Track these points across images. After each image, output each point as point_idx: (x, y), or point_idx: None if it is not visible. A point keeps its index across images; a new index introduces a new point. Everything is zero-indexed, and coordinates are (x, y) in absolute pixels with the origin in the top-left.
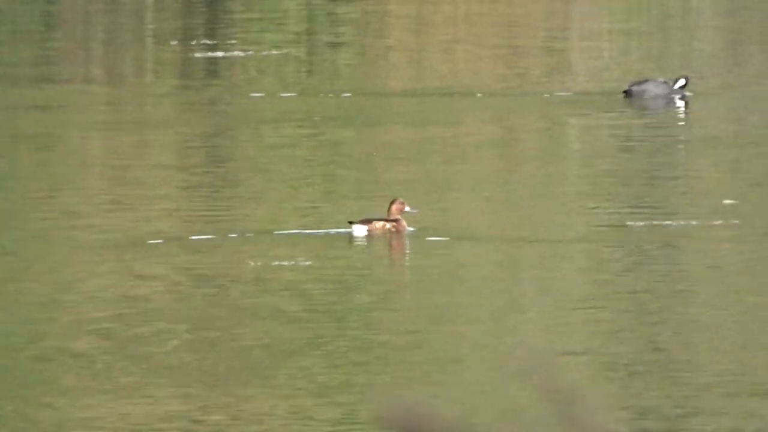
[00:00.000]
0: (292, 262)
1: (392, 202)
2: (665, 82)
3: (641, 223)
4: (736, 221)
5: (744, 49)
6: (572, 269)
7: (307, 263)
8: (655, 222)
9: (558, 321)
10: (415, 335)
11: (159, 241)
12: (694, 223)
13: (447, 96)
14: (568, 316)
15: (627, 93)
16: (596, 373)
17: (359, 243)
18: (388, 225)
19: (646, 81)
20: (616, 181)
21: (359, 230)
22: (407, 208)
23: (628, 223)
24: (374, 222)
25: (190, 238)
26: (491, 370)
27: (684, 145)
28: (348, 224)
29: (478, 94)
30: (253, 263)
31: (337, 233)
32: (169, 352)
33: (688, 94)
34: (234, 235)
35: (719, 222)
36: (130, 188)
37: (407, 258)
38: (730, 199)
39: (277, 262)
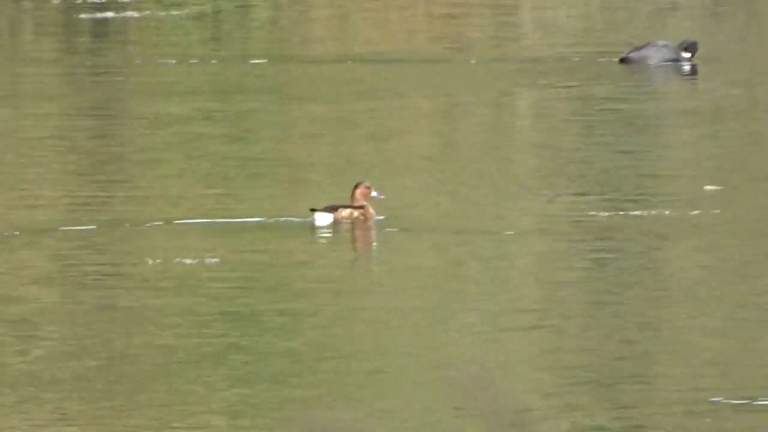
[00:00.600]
0: (197, 259)
1: (356, 186)
2: (666, 46)
3: (606, 213)
4: (716, 210)
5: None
6: (525, 266)
7: (214, 260)
8: (622, 212)
9: (504, 327)
10: (338, 343)
11: (17, 232)
12: (667, 212)
13: (378, 63)
14: (515, 322)
15: (624, 60)
16: (543, 387)
17: (322, 234)
18: (356, 213)
19: (646, 45)
20: (582, 165)
21: (323, 219)
22: (374, 193)
23: (591, 212)
24: (340, 209)
25: (62, 228)
26: (422, 386)
27: (675, 119)
28: (310, 212)
29: (418, 61)
30: (150, 260)
31: (279, 222)
32: (36, 362)
33: (693, 61)
34: (126, 226)
35: (696, 212)
36: None
37: (350, 252)
38: (712, 185)
39: (179, 259)
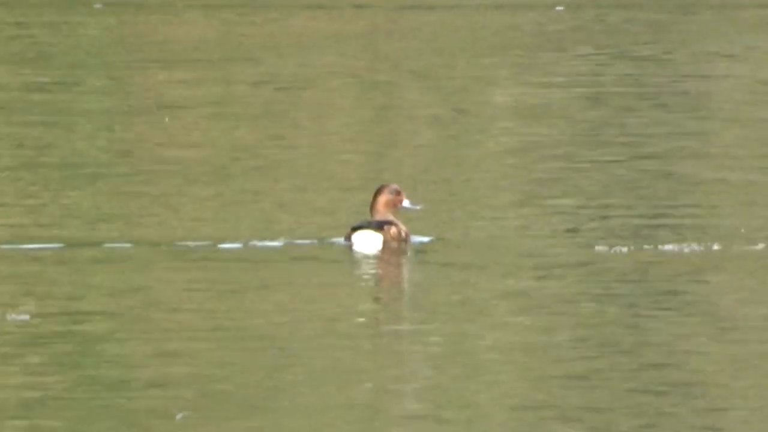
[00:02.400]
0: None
1: (379, 191)
2: None
3: (612, 249)
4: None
5: None
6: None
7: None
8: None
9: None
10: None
11: None
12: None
13: None
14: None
15: None
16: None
17: (363, 260)
18: (403, 231)
19: None
20: (570, 172)
21: (369, 241)
22: (406, 203)
23: (598, 248)
24: (388, 227)
25: None
26: None
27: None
28: (350, 232)
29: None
30: None
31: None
32: None
33: None
34: None
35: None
36: None
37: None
38: None
39: None
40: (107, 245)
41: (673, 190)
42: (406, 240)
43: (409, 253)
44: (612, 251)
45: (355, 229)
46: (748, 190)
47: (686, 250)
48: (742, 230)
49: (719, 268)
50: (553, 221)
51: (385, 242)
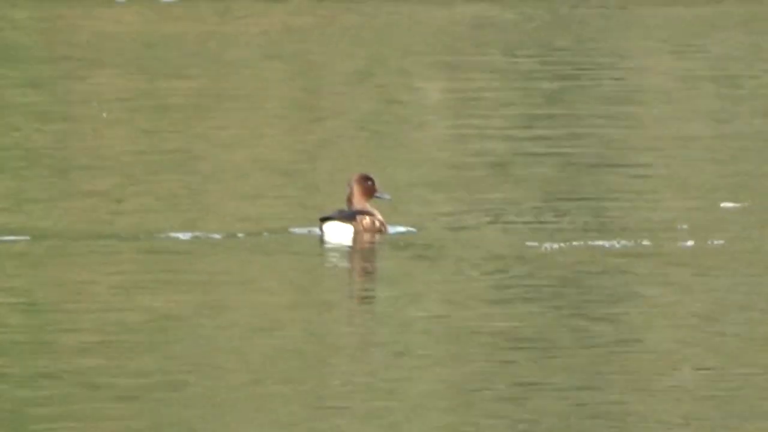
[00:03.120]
0: None
1: (359, 180)
2: None
3: (543, 245)
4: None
5: None
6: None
7: None
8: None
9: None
10: None
11: None
12: (638, 243)
13: None
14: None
15: None
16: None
17: (333, 250)
18: (377, 221)
19: None
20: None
21: (339, 231)
22: (379, 193)
23: (530, 243)
24: (360, 217)
25: None
26: None
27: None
28: (319, 222)
29: None
30: None
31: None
32: None
33: None
34: None
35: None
36: None
37: None
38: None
39: None
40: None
41: (605, 183)
42: (381, 231)
43: (380, 244)
44: (544, 247)
45: (324, 219)
46: (681, 183)
47: (617, 245)
48: (677, 226)
49: (649, 263)
50: (484, 216)
51: (356, 233)
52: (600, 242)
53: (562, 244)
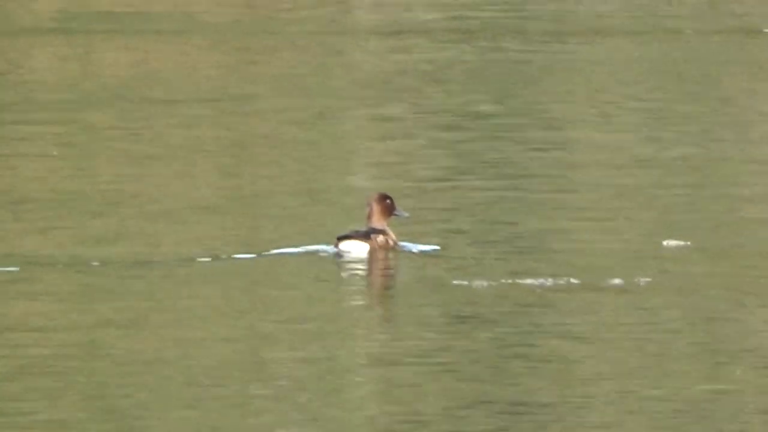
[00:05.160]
0: None
1: (379, 199)
2: None
3: (470, 282)
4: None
5: None
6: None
7: None
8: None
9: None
10: None
11: None
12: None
13: None
14: None
15: None
16: None
17: (348, 267)
18: (391, 240)
19: None
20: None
21: (355, 248)
22: (398, 211)
23: (455, 282)
24: (374, 235)
25: None
26: None
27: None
28: (336, 241)
29: None
30: None
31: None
32: None
33: None
34: None
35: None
36: None
37: None
38: (674, 238)
39: None
40: None
41: (532, 217)
42: (394, 249)
43: (394, 263)
44: (470, 284)
45: (341, 238)
46: (608, 219)
47: (545, 283)
48: (600, 263)
49: (570, 303)
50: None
51: (371, 251)
52: (531, 279)
53: (492, 282)
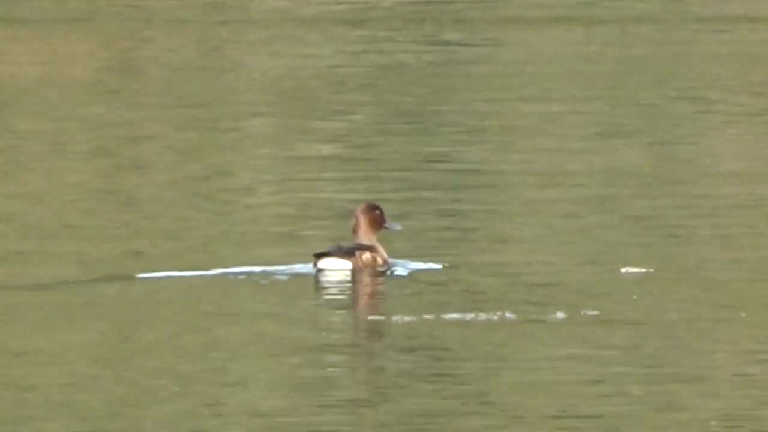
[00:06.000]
0: None
1: (366, 210)
2: None
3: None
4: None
5: None
6: None
7: None
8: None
9: None
10: None
11: None
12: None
13: None
14: None
15: None
16: None
17: (328, 286)
18: (379, 258)
19: None
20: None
21: (335, 265)
22: (388, 223)
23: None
24: (360, 252)
25: None
26: None
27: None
28: (313, 258)
29: None
30: None
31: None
32: None
33: None
34: None
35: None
36: None
37: None
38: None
39: None
40: None
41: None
42: (384, 268)
43: (382, 283)
44: (392, 320)
45: (320, 255)
46: (548, 247)
47: (479, 317)
48: (539, 296)
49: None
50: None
51: (354, 270)
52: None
53: (413, 318)
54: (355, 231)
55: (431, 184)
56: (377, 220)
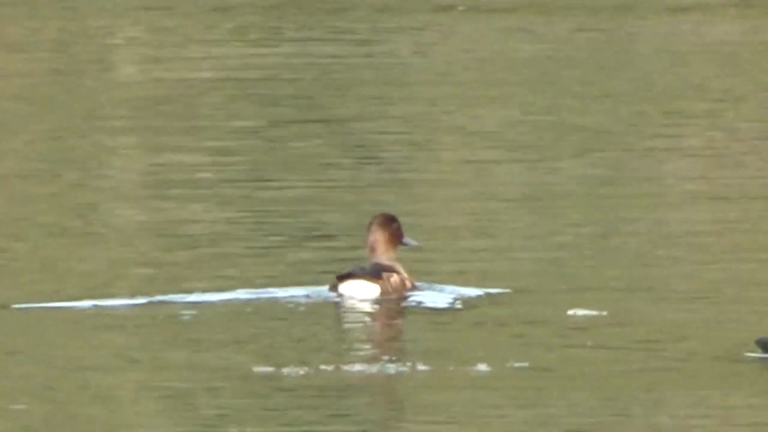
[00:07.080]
0: None
1: (383, 223)
2: None
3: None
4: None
5: None
6: None
7: None
8: None
9: None
10: None
11: None
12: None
13: None
14: None
15: None
16: None
17: (356, 310)
18: (407, 281)
19: None
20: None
21: (364, 290)
22: (406, 239)
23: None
24: (388, 275)
25: None
26: None
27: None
28: (336, 280)
29: None
30: None
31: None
32: None
33: None
34: None
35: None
36: None
37: None
38: (580, 307)
39: None
40: None
41: None
42: (411, 291)
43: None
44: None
45: (342, 277)
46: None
47: (389, 369)
48: (457, 348)
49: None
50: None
51: (383, 294)
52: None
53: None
54: (372, 249)
55: None
56: (396, 235)
